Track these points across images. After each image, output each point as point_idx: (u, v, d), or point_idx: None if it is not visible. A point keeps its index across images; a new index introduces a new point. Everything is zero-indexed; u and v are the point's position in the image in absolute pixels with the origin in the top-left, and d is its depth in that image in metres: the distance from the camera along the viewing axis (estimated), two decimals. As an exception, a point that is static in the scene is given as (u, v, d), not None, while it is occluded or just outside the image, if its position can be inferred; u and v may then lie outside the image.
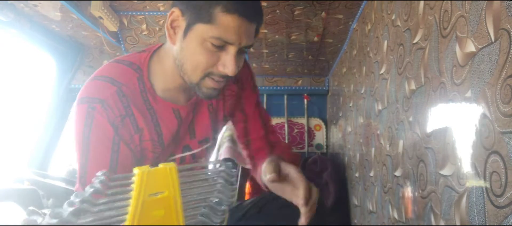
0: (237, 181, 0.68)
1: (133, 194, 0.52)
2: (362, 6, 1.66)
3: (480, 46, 0.66)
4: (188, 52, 0.77)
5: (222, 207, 0.59)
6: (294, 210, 0.77)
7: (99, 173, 0.55)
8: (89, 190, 0.53)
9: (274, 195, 0.82)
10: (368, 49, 1.56)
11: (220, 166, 0.62)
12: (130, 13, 1.86)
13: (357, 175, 1.82)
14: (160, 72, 0.84)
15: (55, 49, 2.18)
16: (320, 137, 2.91)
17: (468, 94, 0.70)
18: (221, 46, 0.75)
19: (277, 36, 2.05)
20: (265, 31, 1.97)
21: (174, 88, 0.85)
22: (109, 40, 2.04)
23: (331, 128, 2.78)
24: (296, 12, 1.74)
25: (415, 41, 1.00)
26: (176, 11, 0.77)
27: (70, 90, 2.31)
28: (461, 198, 0.72)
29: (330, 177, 2.20)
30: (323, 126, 2.91)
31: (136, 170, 0.53)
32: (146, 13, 1.86)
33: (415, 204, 0.98)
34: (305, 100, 2.90)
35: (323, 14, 1.75)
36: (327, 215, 0.96)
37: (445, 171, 0.79)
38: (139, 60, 0.84)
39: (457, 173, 0.74)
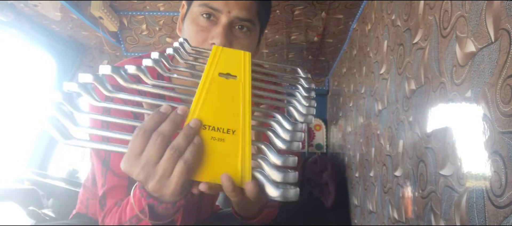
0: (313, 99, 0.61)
1: (205, 68, 0.52)
2: (362, 6, 1.66)
3: (480, 46, 0.66)
4: (185, 33, 0.77)
5: (295, 122, 0.53)
6: (300, 211, 0.77)
7: (180, 39, 0.59)
8: (169, 51, 0.56)
9: None
10: (368, 49, 1.56)
11: (299, 74, 0.59)
12: (130, 13, 1.86)
13: (357, 175, 1.82)
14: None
15: (55, 49, 2.18)
16: (320, 137, 2.91)
17: (468, 94, 0.70)
18: (210, 17, 0.73)
19: (277, 36, 2.05)
20: (265, 31, 1.97)
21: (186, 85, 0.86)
22: (109, 40, 2.04)
23: (331, 128, 2.78)
24: (296, 12, 1.74)
25: (415, 41, 1.00)
26: (184, 4, 0.79)
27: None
28: (461, 198, 0.72)
29: (330, 177, 2.20)
30: (323, 126, 2.91)
31: (213, 47, 0.54)
32: (146, 13, 1.86)
33: (415, 204, 0.98)
34: (305, 100, 2.90)
35: (323, 14, 1.75)
36: (327, 215, 0.96)
37: (445, 171, 0.79)
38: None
39: (457, 173, 0.74)
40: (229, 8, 0.72)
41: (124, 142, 0.48)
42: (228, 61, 0.53)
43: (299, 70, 0.60)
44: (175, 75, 0.54)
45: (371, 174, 1.49)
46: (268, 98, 0.57)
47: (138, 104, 0.52)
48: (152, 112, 0.48)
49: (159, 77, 0.59)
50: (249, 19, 0.75)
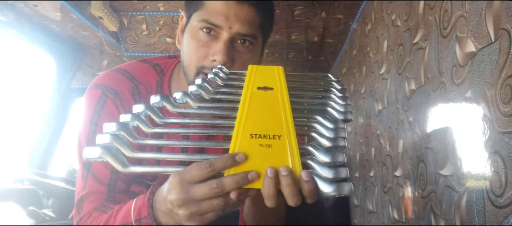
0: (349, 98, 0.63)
1: (244, 85, 0.58)
2: (362, 6, 1.66)
3: (480, 46, 0.66)
4: (185, 47, 0.75)
5: (337, 120, 0.57)
6: (300, 211, 0.76)
7: (218, 65, 0.66)
8: (209, 75, 0.62)
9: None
10: (368, 49, 1.56)
11: (329, 78, 0.64)
12: (130, 13, 1.86)
13: (357, 175, 1.82)
14: (177, 77, 0.82)
15: (55, 49, 2.18)
16: (320, 137, 2.90)
17: (468, 94, 0.70)
18: (211, 32, 0.71)
19: (277, 36, 2.05)
20: (265, 31, 1.97)
21: None
22: (109, 40, 2.04)
23: (331, 128, 2.78)
24: (296, 12, 1.74)
25: (415, 41, 1.00)
26: (182, 14, 0.78)
27: (70, 90, 2.31)
28: (461, 198, 0.72)
29: (330, 177, 2.20)
30: (323, 126, 2.90)
31: (249, 66, 0.60)
32: (146, 13, 1.86)
33: (415, 204, 0.98)
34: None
35: (323, 14, 1.75)
36: (327, 215, 0.96)
37: (445, 171, 0.79)
38: (166, 64, 0.83)
39: (457, 173, 0.74)
40: (230, 24, 0.69)
41: (175, 162, 0.54)
42: (264, 76, 0.59)
43: (330, 76, 0.65)
44: (218, 96, 0.60)
45: (371, 174, 1.49)
46: (305, 102, 0.61)
47: (185, 126, 0.58)
48: (226, 156, 0.51)
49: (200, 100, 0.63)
50: (251, 34, 0.72)
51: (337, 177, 0.50)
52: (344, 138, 0.54)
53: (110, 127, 0.53)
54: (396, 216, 1.15)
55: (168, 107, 0.57)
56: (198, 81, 0.60)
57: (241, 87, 0.58)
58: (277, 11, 1.73)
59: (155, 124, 0.55)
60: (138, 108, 0.55)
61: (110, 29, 1.88)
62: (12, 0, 1.68)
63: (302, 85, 0.64)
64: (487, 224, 0.63)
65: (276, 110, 0.55)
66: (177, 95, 0.58)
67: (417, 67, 0.98)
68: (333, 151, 0.52)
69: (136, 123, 0.54)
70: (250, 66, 0.60)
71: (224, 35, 0.70)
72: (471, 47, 0.69)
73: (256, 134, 0.52)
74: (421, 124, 0.94)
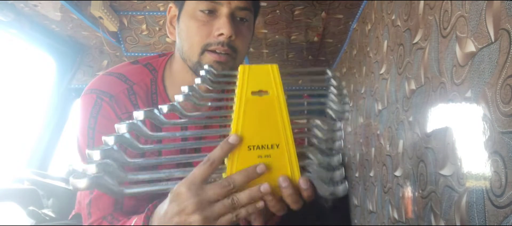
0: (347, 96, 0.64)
1: (236, 90, 0.53)
2: (362, 6, 1.66)
3: (480, 46, 0.66)
4: (183, 33, 0.76)
5: (333, 121, 0.57)
6: (300, 211, 0.76)
7: (205, 66, 0.60)
8: (197, 81, 0.57)
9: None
10: (368, 49, 1.56)
11: (326, 75, 0.61)
12: (130, 13, 1.86)
13: (357, 175, 1.82)
14: (171, 74, 0.83)
15: (55, 49, 2.18)
16: (320, 137, 2.90)
17: (468, 94, 0.70)
18: (212, 12, 0.73)
19: (277, 36, 2.05)
20: (265, 31, 1.97)
21: None
22: (109, 40, 2.04)
23: (331, 128, 2.78)
24: (296, 12, 1.74)
25: (415, 41, 1.00)
26: (171, 5, 0.79)
27: (70, 90, 2.31)
28: (461, 198, 0.72)
29: (330, 177, 2.20)
30: (323, 126, 2.90)
31: (239, 68, 0.55)
32: (146, 13, 1.86)
33: (415, 204, 0.98)
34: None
35: (323, 14, 1.75)
36: (327, 215, 0.96)
37: (445, 171, 0.79)
38: (157, 62, 0.84)
39: (457, 173, 0.74)
40: None
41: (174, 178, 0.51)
42: (258, 78, 0.55)
43: (328, 71, 0.62)
44: (209, 104, 0.56)
45: (371, 174, 1.49)
46: (303, 104, 0.59)
47: (177, 140, 0.55)
48: (222, 143, 0.50)
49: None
50: (248, 8, 0.76)
51: (333, 179, 0.52)
52: (340, 139, 0.55)
53: (94, 154, 0.48)
54: (396, 216, 1.15)
55: (156, 122, 0.53)
56: (185, 89, 0.56)
57: (233, 91, 0.55)
58: (277, 11, 1.73)
59: (145, 142, 0.52)
60: (122, 128, 0.50)
61: (110, 29, 1.88)
62: (12, 0, 1.68)
63: (298, 84, 0.62)
64: (487, 224, 0.63)
65: (273, 117, 0.52)
66: (164, 108, 0.53)
67: (417, 67, 0.98)
68: (330, 153, 0.53)
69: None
70: (241, 67, 0.56)
71: (224, 10, 0.72)
72: (471, 47, 0.69)
73: (254, 146, 0.50)
74: (421, 124, 0.94)
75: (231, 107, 0.54)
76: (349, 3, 1.64)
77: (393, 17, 1.20)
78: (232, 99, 0.54)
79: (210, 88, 0.59)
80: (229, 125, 0.52)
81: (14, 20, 1.75)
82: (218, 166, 0.50)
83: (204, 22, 0.73)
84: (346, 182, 0.52)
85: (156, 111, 0.52)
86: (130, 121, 0.50)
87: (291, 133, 0.52)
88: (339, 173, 0.52)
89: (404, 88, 1.07)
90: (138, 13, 1.86)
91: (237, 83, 0.55)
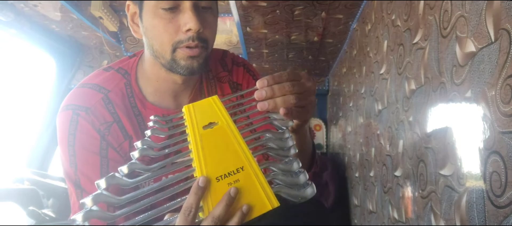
0: None
1: (188, 130, 0.55)
2: (362, 6, 1.66)
3: (480, 46, 0.66)
4: (150, 32, 0.74)
5: (281, 130, 0.59)
6: (300, 211, 0.77)
7: (152, 117, 0.60)
8: (147, 133, 0.57)
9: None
10: (368, 49, 1.56)
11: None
12: (130, 13, 1.86)
13: (357, 175, 1.82)
14: (144, 74, 0.81)
15: (55, 49, 2.18)
16: (320, 137, 2.91)
17: (468, 94, 0.70)
18: (173, 8, 0.71)
19: (277, 36, 2.05)
20: (265, 31, 1.97)
21: (162, 90, 0.81)
22: (109, 40, 2.04)
23: (331, 128, 2.78)
24: (296, 12, 1.74)
25: (415, 41, 1.00)
26: (129, 4, 0.77)
27: (70, 90, 2.31)
28: (461, 198, 0.72)
29: (330, 177, 2.20)
30: (323, 126, 2.91)
31: (183, 108, 0.57)
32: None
33: (415, 204, 0.98)
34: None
35: (323, 14, 1.75)
36: (327, 215, 0.96)
37: (445, 171, 0.79)
38: (127, 64, 0.82)
39: (457, 173, 0.74)
40: None
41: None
42: (203, 112, 0.57)
43: (257, 83, 0.62)
44: (166, 151, 0.56)
45: (371, 174, 1.49)
46: (250, 121, 0.61)
47: (146, 196, 0.53)
48: (193, 189, 0.50)
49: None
50: None
51: (299, 183, 0.54)
52: (293, 144, 0.58)
53: (76, 218, 0.47)
54: (396, 216, 1.15)
55: (121, 186, 0.51)
56: (138, 145, 0.55)
57: (183, 129, 0.56)
58: (277, 11, 1.73)
59: (118, 206, 0.50)
60: (87, 202, 0.48)
61: (110, 29, 1.88)
62: (12, 0, 1.68)
63: (238, 106, 0.63)
64: (487, 224, 0.63)
65: (229, 143, 0.54)
66: (123, 169, 0.52)
67: (417, 67, 0.98)
68: (288, 161, 0.56)
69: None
70: (185, 107, 0.58)
71: (187, 3, 0.70)
72: (471, 47, 0.69)
73: (221, 176, 0.51)
74: (421, 124, 0.94)
75: (187, 147, 0.54)
76: (349, 3, 1.64)
77: (393, 17, 1.20)
78: (185, 139, 0.55)
79: (162, 136, 0.59)
80: (191, 165, 0.53)
81: (14, 20, 1.75)
82: (198, 211, 0.50)
83: (169, 19, 0.71)
84: (313, 185, 0.53)
85: (117, 174, 0.51)
86: (95, 193, 0.49)
87: (250, 153, 0.53)
88: (303, 177, 0.54)
89: (404, 88, 1.07)
90: (138, 13, 1.86)
91: (186, 123, 0.56)
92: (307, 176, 0.54)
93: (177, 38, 0.72)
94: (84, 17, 1.76)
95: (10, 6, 1.71)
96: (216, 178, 0.51)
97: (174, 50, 0.73)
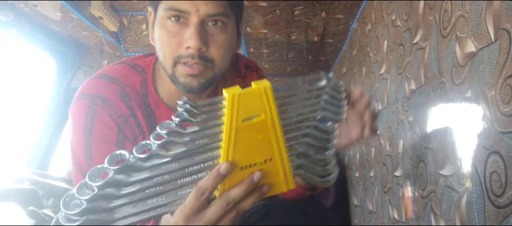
0: (344, 94, 0.61)
1: (225, 120, 0.47)
2: (362, 6, 1.66)
3: (480, 46, 0.66)
4: (157, 42, 0.72)
5: (328, 123, 0.54)
6: (300, 211, 0.76)
7: (180, 101, 0.51)
8: (175, 119, 0.49)
9: (278, 199, 0.80)
10: (368, 49, 1.56)
11: (321, 81, 0.57)
12: (130, 13, 1.86)
13: (357, 175, 1.82)
14: (160, 75, 0.79)
15: (55, 49, 2.18)
16: (320, 137, 2.90)
17: (468, 94, 0.70)
18: (180, 20, 0.68)
19: (277, 36, 2.05)
20: (265, 31, 1.97)
21: (177, 93, 0.77)
22: (109, 40, 2.04)
23: (331, 128, 2.78)
24: (296, 12, 1.74)
25: (415, 41, 1.00)
26: (150, 11, 0.75)
27: (70, 90, 2.31)
28: (461, 198, 0.72)
29: (330, 177, 2.20)
30: (323, 126, 2.90)
31: (225, 93, 0.46)
32: (146, 13, 1.86)
33: (415, 204, 0.98)
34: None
35: (323, 14, 1.75)
36: (327, 215, 0.96)
37: (445, 171, 0.79)
38: (144, 62, 0.81)
39: (457, 173, 0.74)
40: (196, 6, 0.66)
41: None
42: (249, 103, 0.47)
43: (323, 79, 0.58)
44: (196, 143, 0.49)
45: (371, 174, 1.49)
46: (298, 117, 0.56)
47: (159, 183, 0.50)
48: (213, 173, 0.47)
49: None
50: (221, 13, 0.69)
51: (326, 172, 0.53)
52: (335, 139, 0.54)
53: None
54: (396, 216, 1.15)
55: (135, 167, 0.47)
56: (163, 128, 0.49)
57: (219, 118, 0.48)
58: (277, 11, 1.73)
59: (129, 183, 0.47)
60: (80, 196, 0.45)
61: (110, 29, 1.88)
62: (12, 0, 1.68)
63: (293, 102, 0.55)
64: (487, 224, 0.63)
65: (266, 137, 0.48)
66: (136, 152, 0.47)
67: (417, 67, 0.98)
68: (324, 151, 0.53)
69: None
70: (230, 95, 0.46)
71: (193, 19, 0.67)
72: (471, 47, 0.69)
73: (246, 166, 0.48)
74: (421, 124, 0.94)
75: (218, 136, 0.48)
76: (349, 3, 1.64)
77: (393, 17, 1.20)
78: (218, 132, 0.48)
79: (195, 121, 0.51)
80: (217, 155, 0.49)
81: (14, 20, 1.75)
82: (209, 197, 0.48)
83: (174, 32, 0.69)
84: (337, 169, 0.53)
85: (131, 156, 0.47)
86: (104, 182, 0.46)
87: (285, 147, 0.49)
88: (332, 166, 0.53)
89: (404, 88, 1.07)
90: (138, 13, 1.86)
91: (225, 112, 0.47)
92: (335, 162, 0.53)
93: (177, 53, 0.69)
94: (84, 17, 1.76)
95: (10, 6, 1.70)
96: (241, 167, 0.48)
97: (174, 64, 0.70)
